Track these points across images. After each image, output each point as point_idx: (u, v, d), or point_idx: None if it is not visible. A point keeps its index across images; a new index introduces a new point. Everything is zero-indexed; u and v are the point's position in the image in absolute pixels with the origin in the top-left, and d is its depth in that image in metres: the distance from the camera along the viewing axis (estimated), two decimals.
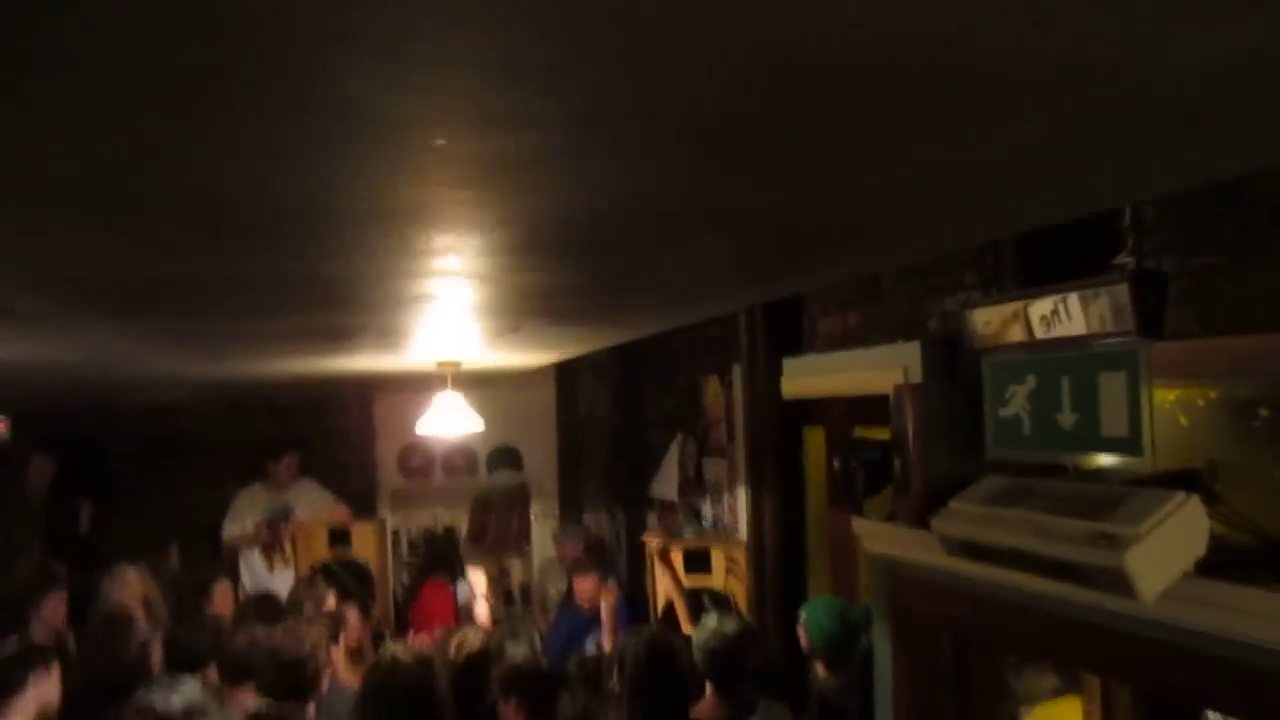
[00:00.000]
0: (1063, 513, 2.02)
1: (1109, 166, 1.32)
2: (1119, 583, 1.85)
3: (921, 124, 1.05)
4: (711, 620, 3.60)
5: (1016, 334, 2.32)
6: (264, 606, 4.56)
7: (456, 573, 5.77)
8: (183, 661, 3.60)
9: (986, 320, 2.40)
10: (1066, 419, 2.13)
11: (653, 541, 4.63)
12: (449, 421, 4.04)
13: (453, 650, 3.44)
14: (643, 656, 3.01)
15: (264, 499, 5.75)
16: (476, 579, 5.94)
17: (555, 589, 5.74)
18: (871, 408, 3.52)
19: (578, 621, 5.00)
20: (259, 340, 2.67)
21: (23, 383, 4.32)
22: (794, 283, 2.88)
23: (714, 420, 5.45)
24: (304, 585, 4.80)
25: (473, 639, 3.55)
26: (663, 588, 4.62)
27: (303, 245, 1.46)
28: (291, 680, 3.28)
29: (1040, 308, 2.29)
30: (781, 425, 4.65)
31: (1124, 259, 2.12)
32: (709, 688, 3.42)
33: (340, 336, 2.79)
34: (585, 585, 5.11)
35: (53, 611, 4.55)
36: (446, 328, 2.84)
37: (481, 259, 1.61)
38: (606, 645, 4.14)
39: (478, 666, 3.45)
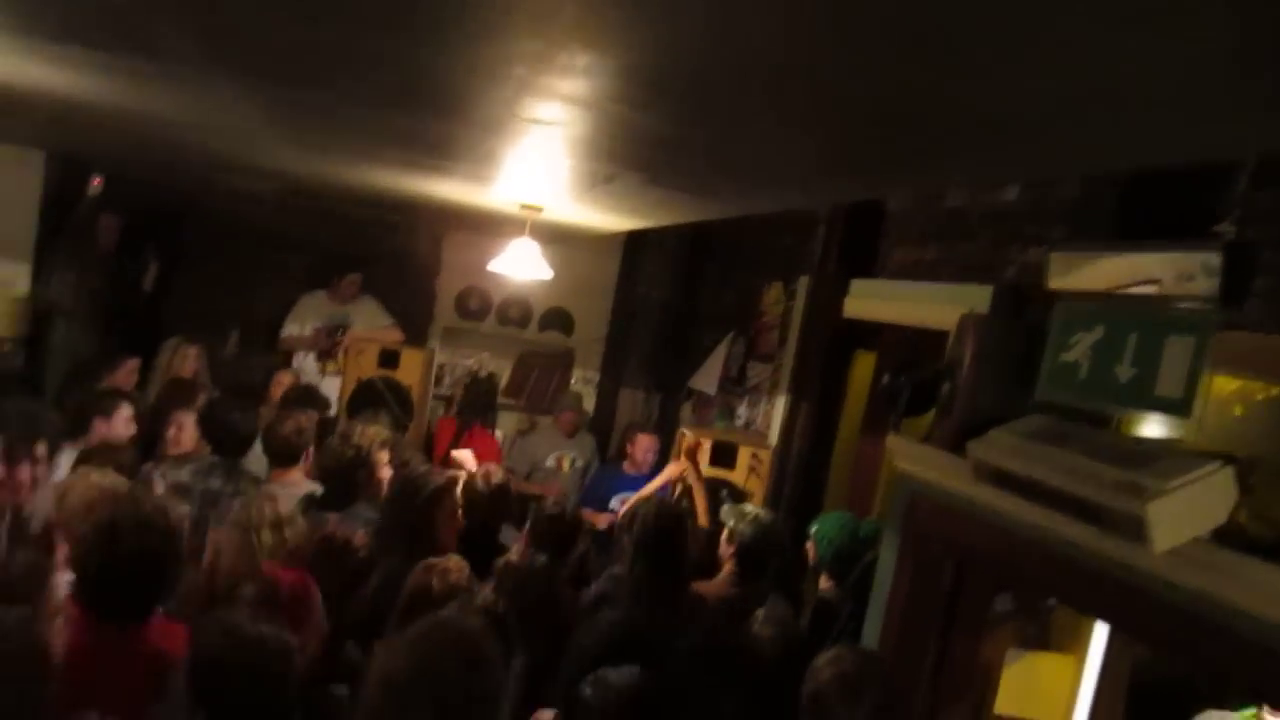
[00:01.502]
0: (1098, 458, 2.08)
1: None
2: (1136, 529, 1.91)
3: (1066, 26, 1.05)
4: (749, 507, 3.74)
5: (1095, 283, 2.33)
6: (309, 397, 4.81)
7: (491, 420, 5.97)
8: (228, 443, 3.80)
9: (1069, 265, 2.42)
10: (1124, 372, 2.16)
11: (687, 437, 4.76)
12: (521, 264, 4.13)
13: (481, 481, 3.62)
14: (651, 520, 3.15)
15: (326, 307, 5.95)
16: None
17: (552, 458, 5.93)
18: (929, 342, 3.57)
19: (619, 479, 5.25)
20: (362, 132, 2.73)
21: (121, 144, 4.47)
22: (888, 183, 2.89)
23: (767, 326, 5.50)
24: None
25: (497, 473, 3.73)
26: (683, 475, 4.74)
27: (435, 28, 1.51)
28: (347, 476, 3.47)
29: (1125, 262, 2.30)
30: (835, 341, 4.70)
31: (1225, 228, 2.10)
32: (728, 568, 3.57)
33: (438, 150, 2.86)
34: (645, 443, 5.43)
35: (126, 376, 4.82)
36: (542, 164, 2.90)
37: (597, 81, 1.66)
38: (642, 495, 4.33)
39: (500, 499, 3.63)
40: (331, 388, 5.55)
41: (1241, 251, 2.00)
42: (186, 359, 5.16)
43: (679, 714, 1.95)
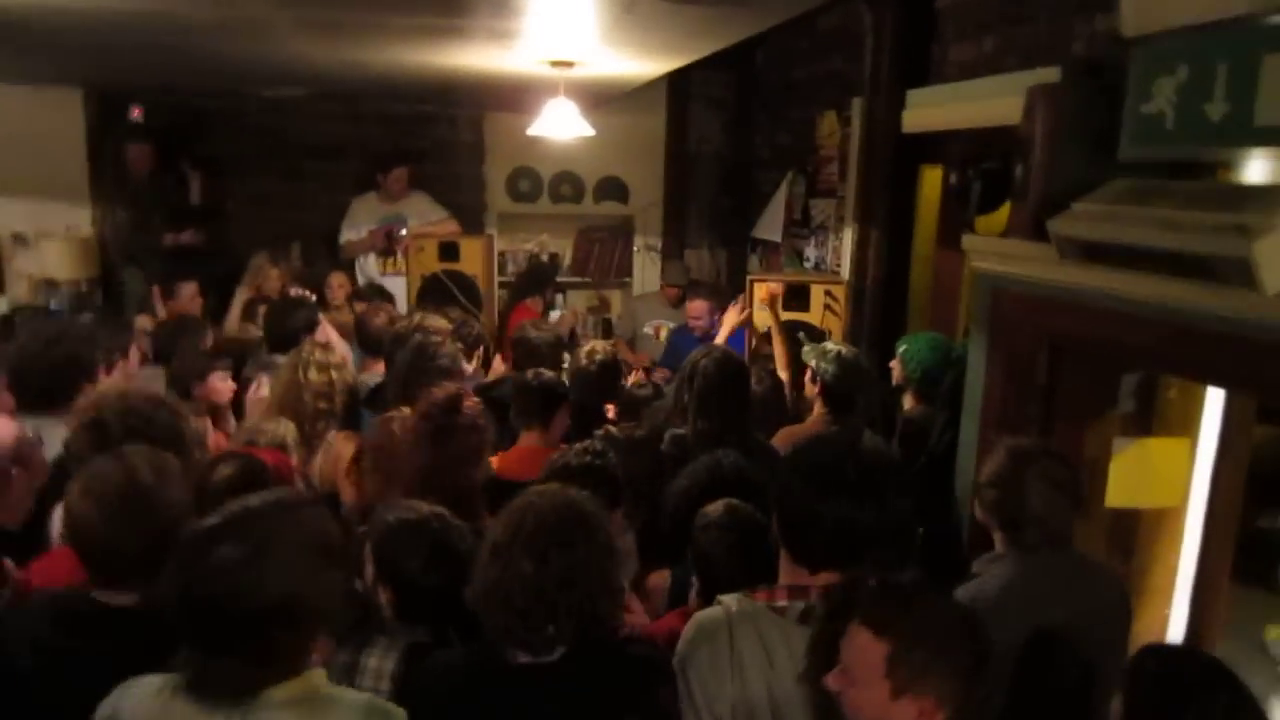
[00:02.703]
0: (1193, 207, 1.91)
1: None
2: (1244, 273, 1.76)
3: None
4: (830, 344, 3.62)
5: (1176, 16, 2.10)
6: (380, 292, 4.84)
7: (550, 297, 5.89)
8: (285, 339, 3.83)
9: (1143, 1, 2.18)
10: (1216, 109, 1.96)
11: (760, 285, 4.62)
12: (561, 124, 4.00)
13: (584, 358, 3.59)
14: (713, 370, 3.06)
15: (379, 208, 5.92)
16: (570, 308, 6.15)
17: (650, 325, 5.87)
18: (999, 141, 3.34)
19: (687, 339, 5.19)
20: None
21: (149, 64, 4.42)
22: None
23: (826, 159, 5.27)
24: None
25: (602, 349, 3.69)
26: (761, 322, 4.65)
27: None
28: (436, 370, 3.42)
29: None
30: (897, 161, 4.47)
31: None
32: (818, 409, 3.50)
33: (451, 5, 2.73)
34: (698, 306, 5.32)
35: (189, 302, 4.89)
36: (558, 4, 2.74)
37: None
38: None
39: (607, 371, 3.60)
40: (395, 287, 5.57)
41: None
42: (270, 278, 5.19)
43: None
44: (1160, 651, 1.89)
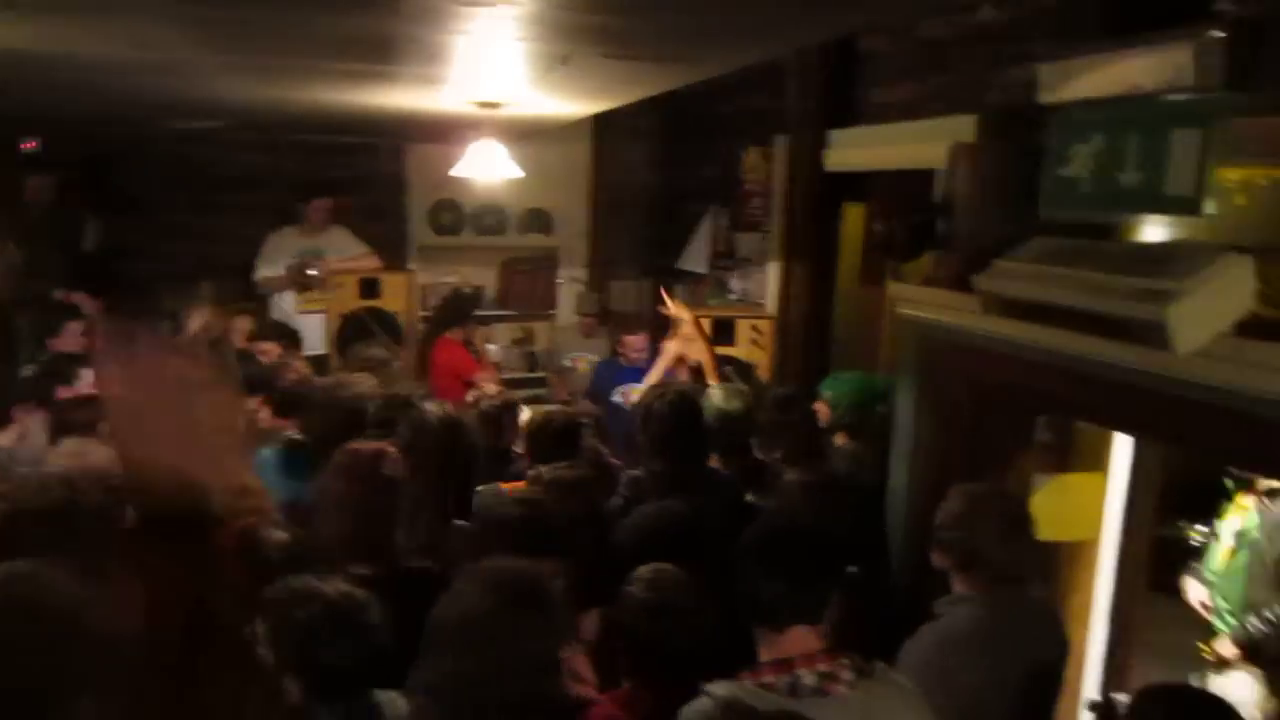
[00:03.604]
0: (1113, 270, 2.01)
1: None
2: (1159, 336, 1.86)
3: None
4: (715, 396, 3.62)
5: (1090, 90, 2.22)
6: (283, 332, 4.69)
7: (470, 330, 5.82)
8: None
9: (1059, 75, 2.30)
10: (1130, 177, 2.07)
11: (682, 308, 4.64)
12: (486, 166, 3.98)
13: (481, 402, 3.57)
14: (666, 411, 3.07)
15: (296, 242, 5.75)
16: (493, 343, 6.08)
17: (569, 357, 5.87)
18: (918, 183, 3.45)
19: (617, 372, 5.22)
20: (296, 42, 2.55)
21: (50, 97, 4.25)
22: (857, 17, 2.73)
23: (750, 194, 5.37)
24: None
25: (494, 392, 3.67)
26: (674, 349, 4.64)
27: None
28: (349, 422, 3.26)
29: (1120, 63, 2.18)
30: (821, 199, 4.57)
31: (1224, 5, 1.98)
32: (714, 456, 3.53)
33: (379, 52, 2.70)
34: (634, 343, 5.31)
35: (72, 340, 4.63)
36: (491, 55, 2.73)
37: None
38: (652, 377, 4.23)
39: (500, 416, 3.57)
40: (314, 325, 5.44)
41: (1243, 29, 1.88)
42: (240, 332, 4.96)
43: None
44: (1163, 694, 1.91)
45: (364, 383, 3.50)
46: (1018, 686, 2.21)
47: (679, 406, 3.11)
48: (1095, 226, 2.27)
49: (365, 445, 2.59)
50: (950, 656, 2.17)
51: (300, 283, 5.63)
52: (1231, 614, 3.40)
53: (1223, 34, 1.88)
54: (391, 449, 2.57)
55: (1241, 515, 3.48)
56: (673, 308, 4.38)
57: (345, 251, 5.81)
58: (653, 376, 4.26)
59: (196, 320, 4.73)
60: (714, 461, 3.38)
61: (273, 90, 3.68)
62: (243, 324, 5.19)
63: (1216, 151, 1.94)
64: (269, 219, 5.88)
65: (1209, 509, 3.72)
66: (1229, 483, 3.55)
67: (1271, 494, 3.38)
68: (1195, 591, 3.62)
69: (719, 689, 1.79)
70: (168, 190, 6.01)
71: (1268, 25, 1.95)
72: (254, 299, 5.71)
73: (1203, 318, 1.87)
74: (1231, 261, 1.87)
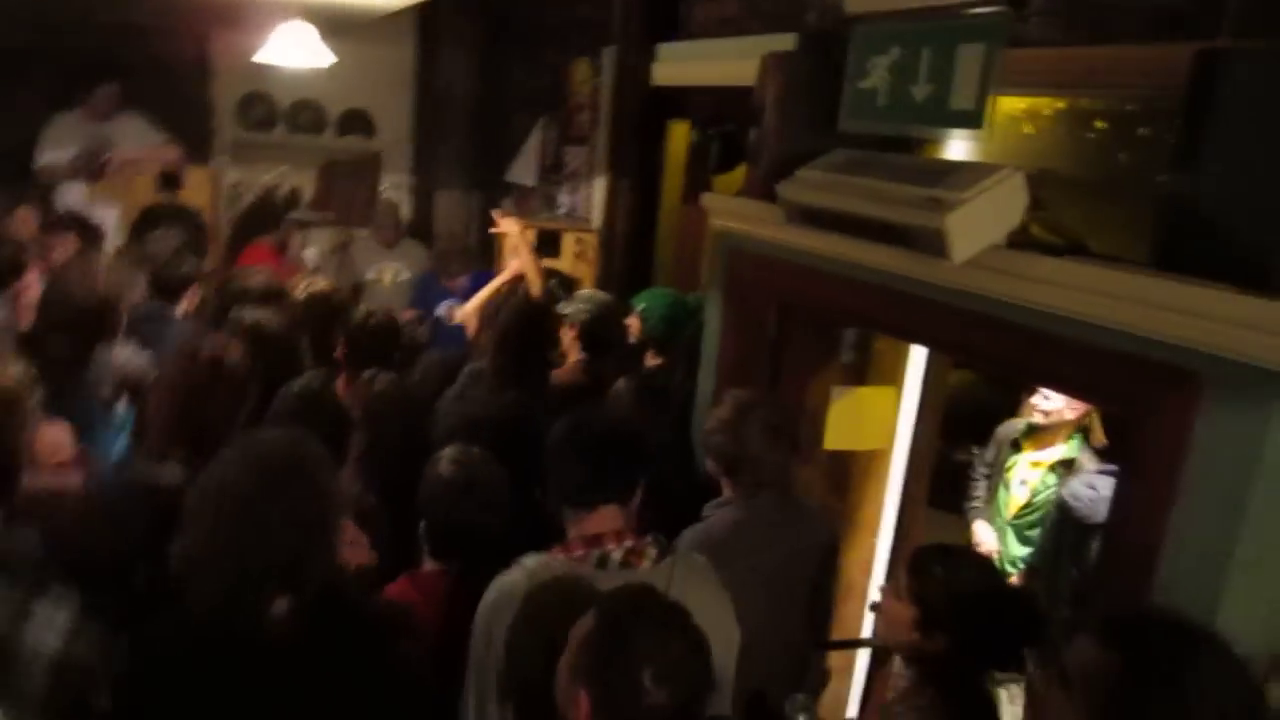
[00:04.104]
0: (897, 180, 2.07)
1: None
2: (937, 243, 1.94)
3: None
4: (584, 292, 3.66)
5: (891, 2, 2.26)
6: (79, 224, 4.28)
7: (284, 236, 5.51)
8: None
9: None
10: (921, 90, 2.13)
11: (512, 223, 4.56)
12: (295, 52, 3.68)
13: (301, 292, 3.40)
14: (519, 312, 3.11)
15: (83, 128, 5.19)
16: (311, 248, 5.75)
17: (373, 270, 5.66)
18: (740, 101, 3.46)
19: (437, 290, 5.08)
20: None
21: None
22: None
23: (579, 106, 5.26)
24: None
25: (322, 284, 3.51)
26: (514, 266, 4.59)
27: None
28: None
29: None
30: (647, 114, 4.53)
31: None
32: (574, 357, 3.53)
33: None
34: (460, 283, 5.14)
35: None
36: None
37: None
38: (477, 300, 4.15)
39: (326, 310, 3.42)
40: (106, 218, 4.99)
41: None
42: (25, 222, 4.40)
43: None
44: (936, 548, 1.99)
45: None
46: (776, 578, 2.30)
47: (531, 308, 3.23)
48: (893, 140, 2.34)
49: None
50: (708, 555, 2.26)
51: (86, 172, 5.13)
52: (1013, 564, 3.64)
53: None
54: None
55: (1033, 472, 3.67)
56: (502, 225, 4.29)
57: (141, 140, 5.32)
58: (483, 294, 4.15)
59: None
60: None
61: None
62: (25, 214, 4.69)
63: (999, 78, 2.02)
64: (44, 104, 5.28)
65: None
66: (1019, 425, 3.74)
67: (1067, 464, 3.47)
68: (986, 537, 3.70)
69: (529, 560, 1.84)
70: None
71: None
72: (35, 188, 5.16)
73: (978, 228, 1.95)
74: (1006, 176, 1.96)
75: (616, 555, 1.83)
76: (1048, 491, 3.52)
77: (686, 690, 1.45)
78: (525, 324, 3.14)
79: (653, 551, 1.86)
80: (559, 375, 3.49)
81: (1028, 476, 3.64)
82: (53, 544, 1.81)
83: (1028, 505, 3.62)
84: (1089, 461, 3.44)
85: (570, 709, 1.48)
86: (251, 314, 3.09)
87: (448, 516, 2.11)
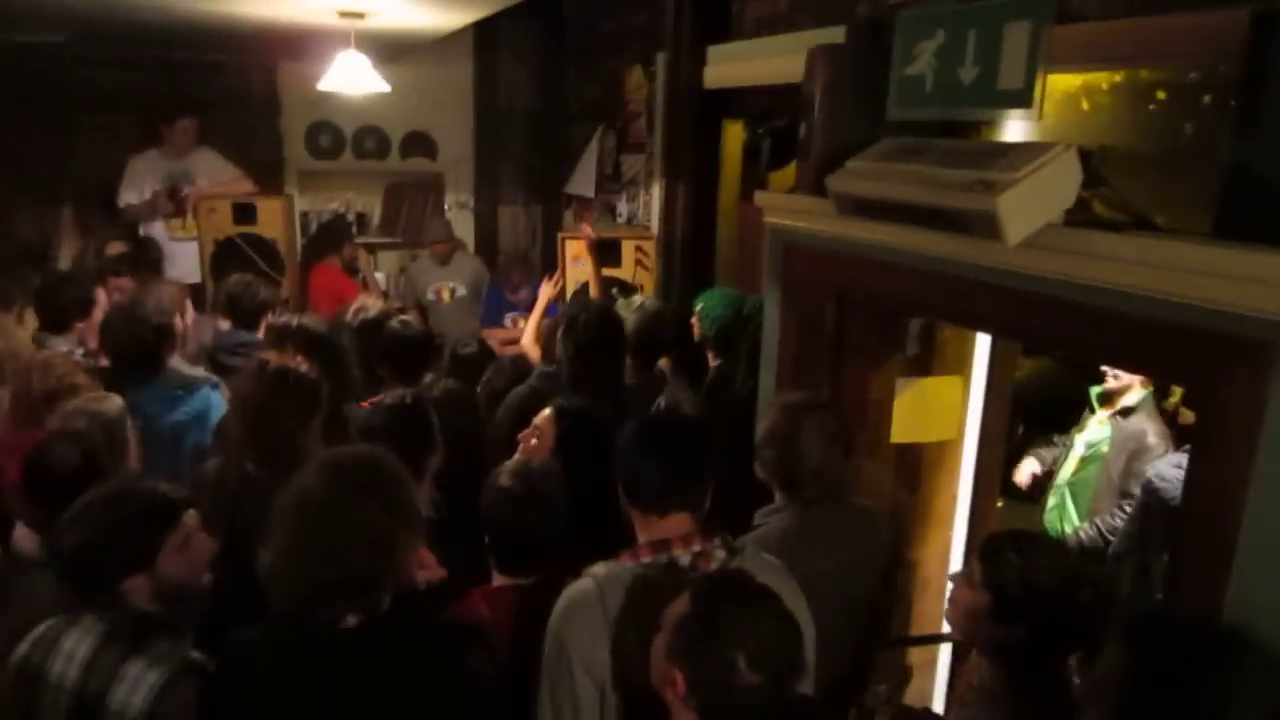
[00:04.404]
0: (947, 164, 2.05)
1: None
2: (990, 225, 1.91)
3: None
4: (636, 298, 3.70)
5: None
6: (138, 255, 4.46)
7: (350, 256, 5.67)
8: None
9: None
10: (968, 73, 2.10)
11: (571, 243, 4.68)
12: (352, 79, 3.81)
13: (351, 315, 3.50)
14: (594, 320, 3.13)
15: (161, 166, 5.45)
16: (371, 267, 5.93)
17: (432, 290, 5.77)
18: (792, 98, 3.45)
19: (504, 302, 5.22)
20: None
21: None
22: None
23: (634, 113, 5.30)
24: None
25: (370, 306, 3.60)
26: (575, 278, 4.70)
27: None
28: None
29: None
30: (701, 116, 4.55)
31: None
32: (630, 358, 3.57)
33: None
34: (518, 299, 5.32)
35: None
36: None
37: None
38: (530, 324, 4.25)
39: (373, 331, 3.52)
40: (188, 252, 5.21)
41: None
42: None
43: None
44: (1007, 534, 1.95)
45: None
46: (831, 587, 2.26)
47: (607, 317, 3.22)
48: (942, 125, 2.31)
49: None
50: None
51: (169, 209, 5.37)
52: (1067, 520, 3.60)
53: None
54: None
55: (1099, 428, 3.66)
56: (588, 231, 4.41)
57: (215, 174, 5.55)
58: (534, 320, 4.25)
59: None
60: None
61: None
62: (116, 250, 4.94)
63: (1050, 55, 1.98)
64: (129, 141, 5.55)
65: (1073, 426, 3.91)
66: (1094, 391, 3.71)
67: (1125, 412, 3.54)
68: (1028, 466, 3.76)
69: (598, 568, 1.85)
70: (15, 108, 5.59)
71: None
72: (120, 225, 5.42)
73: (1031, 208, 1.92)
74: (1058, 154, 1.91)
75: (685, 559, 1.83)
76: (1102, 440, 3.50)
77: (778, 670, 1.49)
78: (605, 333, 3.15)
79: (721, 554, 1.85)
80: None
81: (1092, 436, 3.62)
82: None
83: (1084, 460, 3.61)
84: (1151, 420, 3.40)
85: (666, 688, 1.52)
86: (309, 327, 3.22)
87: (509, 528, 2.13)
